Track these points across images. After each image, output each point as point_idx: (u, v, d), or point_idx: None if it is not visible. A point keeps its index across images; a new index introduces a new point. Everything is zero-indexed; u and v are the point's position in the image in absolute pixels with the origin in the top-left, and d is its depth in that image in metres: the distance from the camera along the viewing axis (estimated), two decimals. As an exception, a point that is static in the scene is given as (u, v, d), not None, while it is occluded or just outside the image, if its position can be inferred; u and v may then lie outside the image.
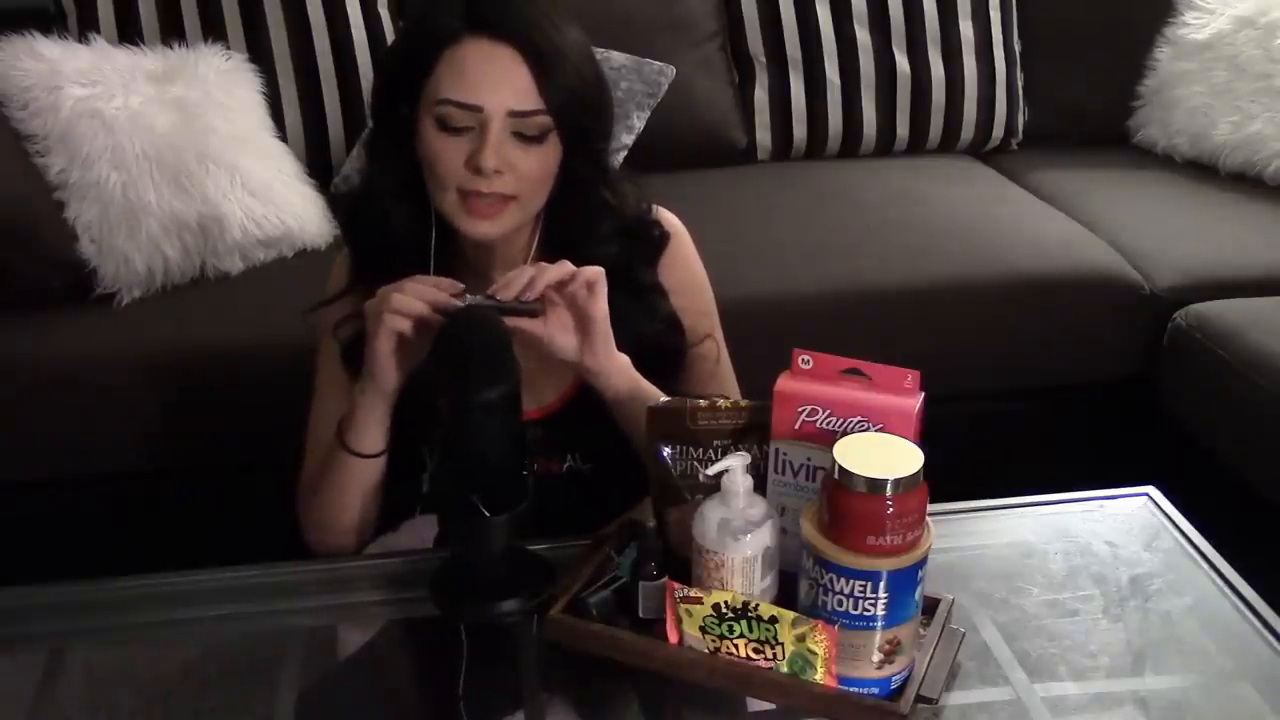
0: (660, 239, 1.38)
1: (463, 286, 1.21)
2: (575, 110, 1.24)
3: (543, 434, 1.34)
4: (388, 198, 1.30)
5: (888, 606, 1.00)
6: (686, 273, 1.41)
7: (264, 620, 1.22)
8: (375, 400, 1.25)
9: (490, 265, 1.33)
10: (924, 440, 1.05)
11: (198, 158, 2.02)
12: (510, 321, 1.18)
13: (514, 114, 1.21)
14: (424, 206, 1.29)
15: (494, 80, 1.21)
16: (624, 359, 1.26)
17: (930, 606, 1.12)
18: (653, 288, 1.36)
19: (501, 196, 1.23)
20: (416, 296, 1.19)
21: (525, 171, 1.23)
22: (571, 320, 1.23)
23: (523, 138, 1.22)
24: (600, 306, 1.21)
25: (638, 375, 1.26)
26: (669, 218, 1.40)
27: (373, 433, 1.27)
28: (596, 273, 1.21)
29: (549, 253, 1.31)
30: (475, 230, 1.25)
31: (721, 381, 1.40)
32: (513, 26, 1.21)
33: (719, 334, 1.43)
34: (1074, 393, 2.16)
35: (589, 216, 1.32)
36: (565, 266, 1.21)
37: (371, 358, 1.22)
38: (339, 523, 1.32)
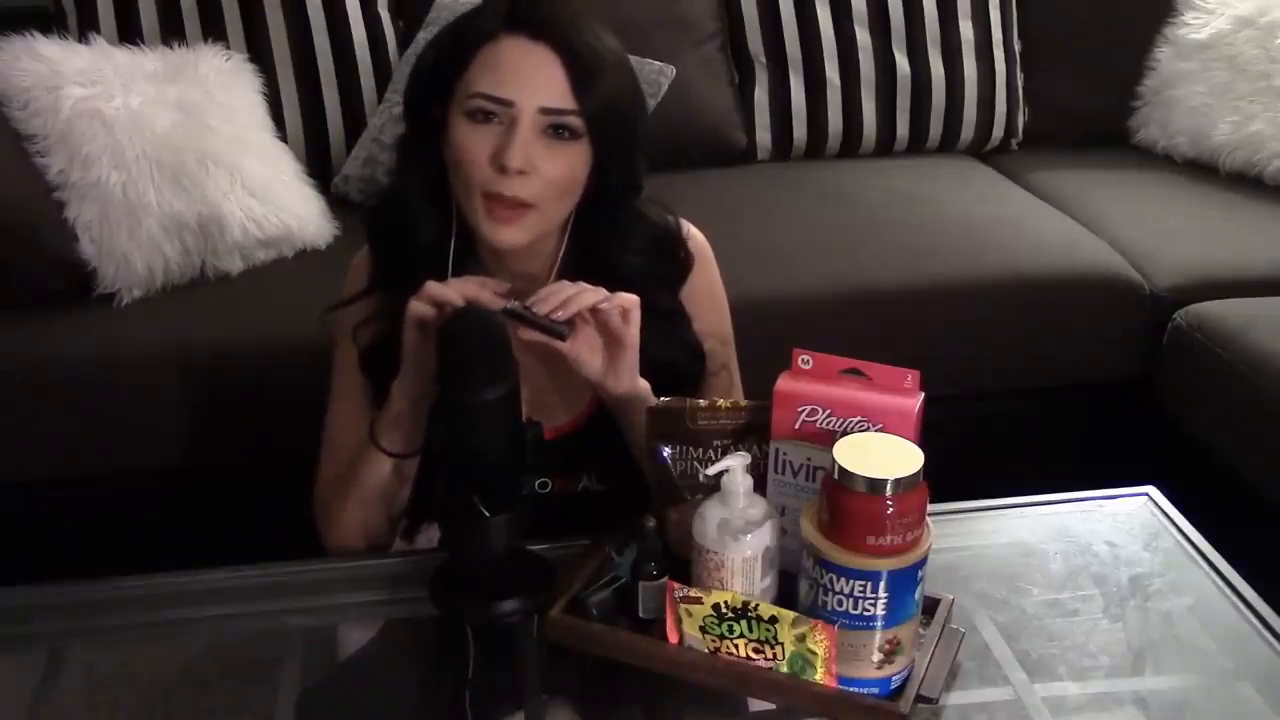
0: (685, 263, 1.36)
1: (508, 287, 1.21)
2: (610, 118, 1.22)
3: (560, 453, 1.33)
4: (414, 199, 1.29)
5: (888, 606, 1.00)
6: (708, 296, 1.39)
7: (264, 620, 1.22)
8: (408, 397, 1.24)
9: (511, 278, 1.30)
10: (924, 440, 1.05)
11: (198, 158, 2.02)
12: (536, 336, 1.18)
13: (545, 111, 1.20)
14: (448, 213, 1.28)
15: (528, 76, 1.20)
16: (646, 385, 1.24)
17: (930, 606, 1.12)
18: (676, 314, 1.34)
19: (520, 201, 1.21)
20: (456, 290, 1.18)
21: (550, 175, 1.21)
22: (601, 341, 1.21)
23: (552, 137, 1.21)
24: (632, 335, 1.20)
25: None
26: (696, 236, 1.38)
27: (404, 431, 1.26)
28: (632, 300, 1.20)
29: (575, 269, 1.30)
30: (497, 236, 1.23)
31: None
32: (551, 27, 1.20)
33: (734, 364, 1.41)
34: (1074, 393, 2.16)
35: (619, 231, 1.30)
36: (602, 291, 1.20)
37: (404, 349, 1.22)
38: (366, 525, 1.31)
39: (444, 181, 1.26)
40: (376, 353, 1.31)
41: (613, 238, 1.30)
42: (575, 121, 1.21)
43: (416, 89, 1.28)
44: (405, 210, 1.29)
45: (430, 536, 1.36)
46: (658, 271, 1.33)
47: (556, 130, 1.21)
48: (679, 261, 1.36)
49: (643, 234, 1.32)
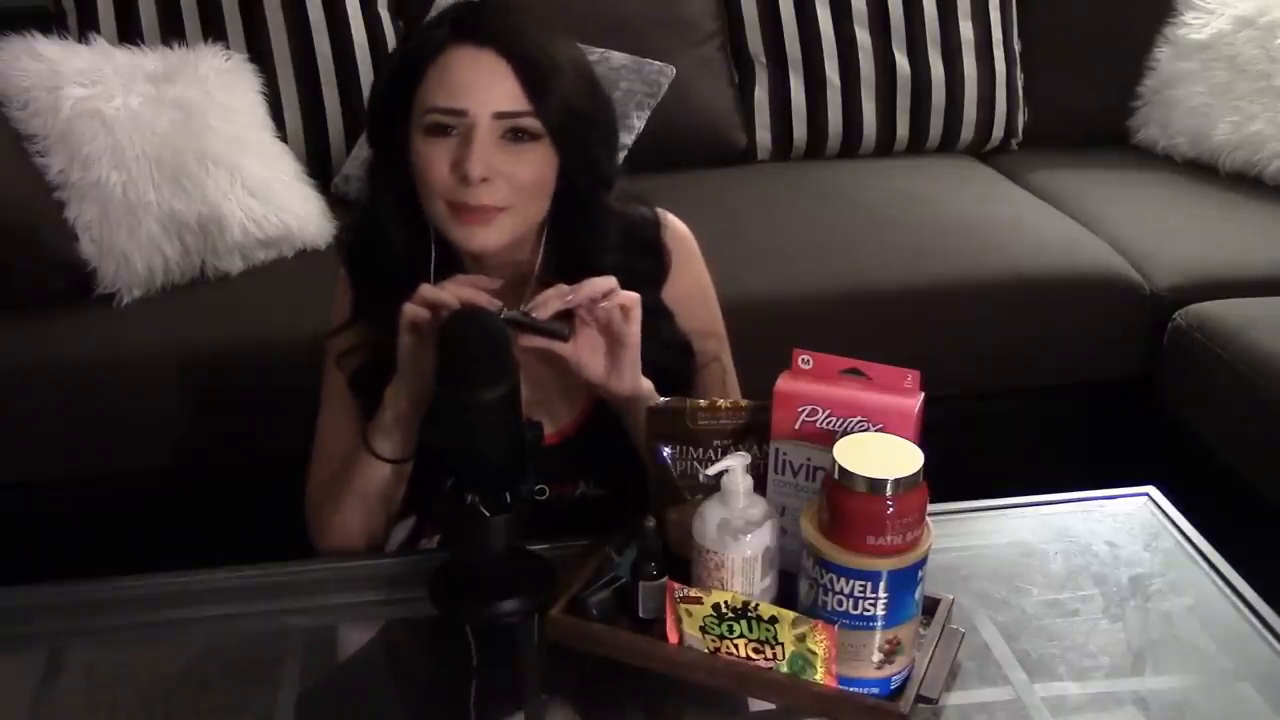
0: (664, 259, 1.34)
1: (500, 284, 1.20)
2: (568, 117, 1.21)
3: (557, 459, 1.32)
4: (388, 222, 1.28)
5: (888, 606, 1.00)
6: (694, 295, 1.38)
7: (264, 620, 1.22)
8: (408, 399, 1.24)
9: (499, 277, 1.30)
10: (924, 440, 1.05)
11: (198, 158, 2.02)
12: (537, 342, 1.17)
13: (500, 115, 1.19)
14: (424, 232, 1.27)
15: (478, 83, 1.19)
16: (649, 384, 1.24)
17: (930, 606, 1.12)
18: (657, 310, 1.33)
19: (493, 208, 1.20)
20: (450, 291, 1.18)
21: (518, 180, 1.20)
22: (603, 343, 1.21)
23: (511, 140, 1.20)
24: (633, 333, 1.20)
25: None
26: (676, 226, 1.37)
27: (398, 436, 1.26)
28: (633, 298, 1.19)
29: (556, 269, 1.29)
30: (471, 240, 1.22)
31: None
32: (497, 33, 1.20)
33: (726, 355, 1.41)
34: (1074, 393, 2.16)
35: (592, 229, 1.29)
36: (611, 280, 1.19)
37: (399, 355, 1.21)
38: (369, 526, 1.31)
39: (415, 201, 1.25)
40: (363, 378, 1.30)
41: (587, 236, 1.29)
42: (532, 123, 1.20)
43: (375, 114, 1.28)
44: (381, 234, 1.29)
45: (431, 544, 1.36)
46: (636, 268, 1.31)
47: (515, 134, 1.20)
48: (657, 258, 1.34)
49: (616, 230, 1.31)
